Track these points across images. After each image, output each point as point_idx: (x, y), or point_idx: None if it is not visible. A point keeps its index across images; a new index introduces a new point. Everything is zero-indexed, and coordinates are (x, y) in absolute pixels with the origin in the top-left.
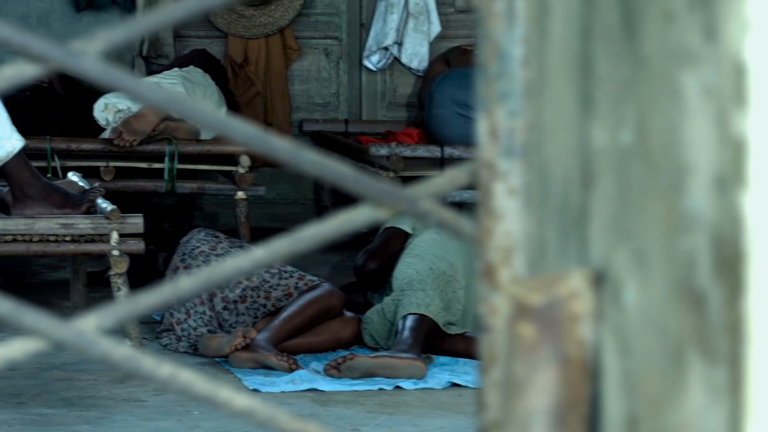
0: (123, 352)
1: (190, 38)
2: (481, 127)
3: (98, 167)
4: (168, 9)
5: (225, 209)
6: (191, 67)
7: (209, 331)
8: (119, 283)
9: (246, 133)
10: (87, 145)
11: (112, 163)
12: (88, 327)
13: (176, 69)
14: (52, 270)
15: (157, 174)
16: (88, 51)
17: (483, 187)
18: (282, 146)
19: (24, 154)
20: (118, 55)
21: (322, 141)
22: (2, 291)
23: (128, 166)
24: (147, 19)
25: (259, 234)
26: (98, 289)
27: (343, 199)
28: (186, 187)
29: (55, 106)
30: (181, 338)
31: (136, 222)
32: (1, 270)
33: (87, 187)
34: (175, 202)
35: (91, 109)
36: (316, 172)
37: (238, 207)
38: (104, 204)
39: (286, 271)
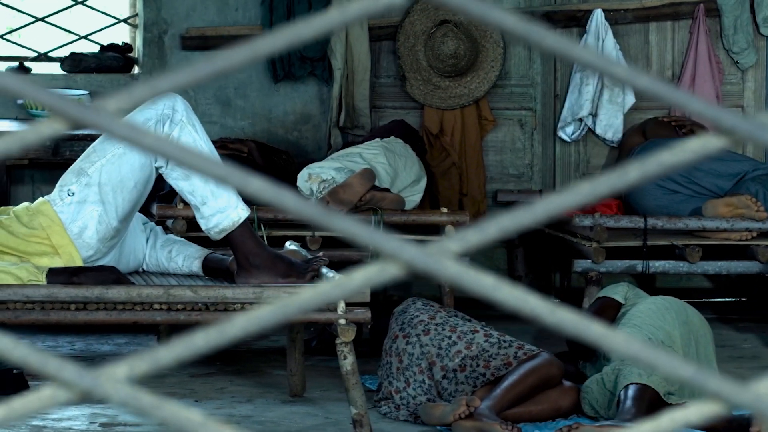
0: None
1: (386, 109)
2: None
3: (304, 236)
4: None
5: (418, 278)
6: (392, 138)
7: (428, 400)
8: (345, 351)
9: None
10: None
11: (318, 233)
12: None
13: (377, 139)
14: (255, 338)
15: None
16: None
17: None
18: None
19: (248, 223)
20: (316, 125)
21: None
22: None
23: (333, 236)
24: None
25: (456, 303)
26: (306, 358)
27: (536, 270)
28: None
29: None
30: (400, 407)
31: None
32: None
33: (309, 257)
34: None
35: (288, 179)
36: None
37: None
38: (329, 273)
39: (505, 341)
